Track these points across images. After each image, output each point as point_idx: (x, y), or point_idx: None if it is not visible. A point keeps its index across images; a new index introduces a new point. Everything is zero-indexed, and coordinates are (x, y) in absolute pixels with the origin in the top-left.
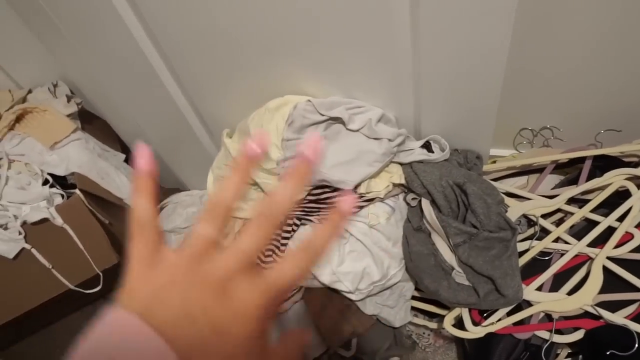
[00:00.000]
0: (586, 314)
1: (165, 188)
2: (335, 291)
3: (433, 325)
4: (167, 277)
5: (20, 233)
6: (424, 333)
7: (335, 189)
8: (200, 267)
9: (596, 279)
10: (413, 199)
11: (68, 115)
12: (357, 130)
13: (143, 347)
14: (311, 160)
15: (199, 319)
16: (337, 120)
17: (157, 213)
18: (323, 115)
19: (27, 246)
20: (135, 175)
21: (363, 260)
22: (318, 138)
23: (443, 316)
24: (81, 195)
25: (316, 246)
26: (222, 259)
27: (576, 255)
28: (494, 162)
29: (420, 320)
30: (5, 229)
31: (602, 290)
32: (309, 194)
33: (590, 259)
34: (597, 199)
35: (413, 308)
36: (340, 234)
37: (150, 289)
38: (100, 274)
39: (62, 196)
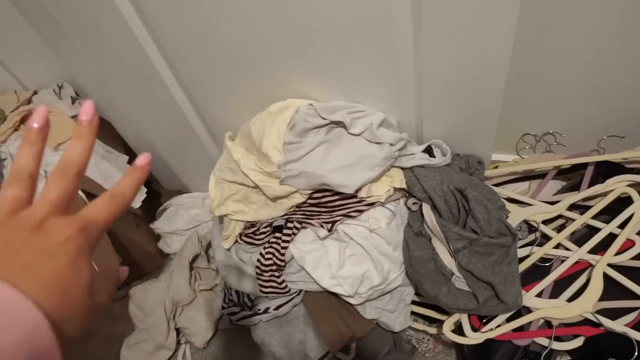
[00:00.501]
0: (586, 321)
1: (168, 190)
2: (335, 295)
3: (433, 330)
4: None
5: None
6: (423, 338)
7: (336, 193)
8: (14, 219)
9: (596, 286)
10: (414, 203)
11: (72, 117)
12: (359, 135)
13: None
14: (89, 120)
15: (21, 250)
16: (339, 124)
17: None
18: (325, 119)
19: None
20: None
21: (363, 264)
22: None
23: (443, 321)
24: (84, 197)
25: (123, 192)
26: (32, 208)
27: (577, 262)
28: (496, 167)
29: (420, 325)
30: None
31: (603, 298)
32: (309, 198)
33: (591, 266)
34: (599, 205)
35: (413, 313)
36: (141, 185)
37: None
38: None
39: None
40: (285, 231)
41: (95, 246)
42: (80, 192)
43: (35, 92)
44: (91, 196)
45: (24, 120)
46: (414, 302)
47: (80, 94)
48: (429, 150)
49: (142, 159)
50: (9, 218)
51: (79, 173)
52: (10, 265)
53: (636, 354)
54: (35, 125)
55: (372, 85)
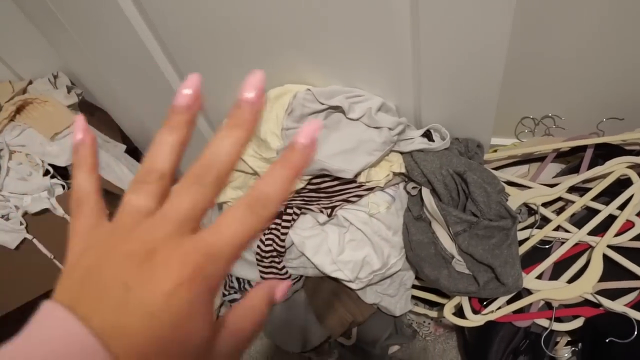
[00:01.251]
0: (586, 302)
1: None
2: (336, 280)
3: (433, 314)
4: (94, 256)
5: (21, 223)
6: (424, 322)
7: (336, 178)
8: (127, 241)
9: (596, 267)
10: (413, 187)
11: (69, 106)
12: (357, 119)
13: (69, 344)
14: (251, 103)
15: (123, 300)
16: (337, 109)
17: (98, 186)
18: (323, 104)
19: (29, 236)
20: (74, 149)
21: (363, 249)
22: (318, 125)
23: (443, 305)
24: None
25: (266, 194)
26: (149, 225)
27: (577, 244)
28: (495, 151)
29: (421, 309)
30: (7, 219)
31: (602, 279)
32: (308, 183)
33: (591, 247)
34: (598, 187)
35: (413, 297)
36: (299, 175)
37: (80, 272)
38: None
39: (63, 187)
40: (284, 217)
41: (221, 284)
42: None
43: (30, 82)
44: None
45: (19, 110)
46: (414, 286)
47: (75, 84)
48: (427, 135)
49: (305, 133)
50: (125, 236)
51: (223, 180)
52: (101, 318)
53: (635, 333)
54: (182, 101)
55: (370, 69)
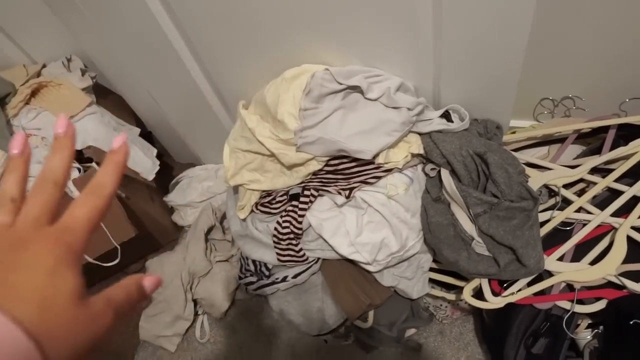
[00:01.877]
0: (609, 284)
1: (180, 163)
2: (353, 263)
3: (451, 297)
4: None
5: None
6: (441, 305)
7: (353, 159)
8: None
9: (620, 249)
10: (432, 169)
11: (83, 89)
12: (376, 100)
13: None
14: (65, 132)
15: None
16: (356, 89)
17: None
18: (341, 84)
19: None
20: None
21: (381, 231)
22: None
23: (460, 288)
24: (98, 169)
25: (101, 183)
26: (14, 228)
27: (599, 225)
28: (513, 132)
29: (438, 292)
30: None
31: (626, 260)
32: (326, 165)
33: (614, 229)
34: (622, 168)
35: (430, 280)
36: (123, 171)
37: None
38: (118, 247)
39: (79, 170)
40: (302, 199)
41: (85, 249)
42: (94, 165)
43: (44, 66)
44: None
45: (34, 93)
46: (431, 269)
47: (88, 66)
48: (446, 116)
49: (117, 141)
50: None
51: (60, 184)
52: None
53: None
54: (15, 150)
55: (390, 48)
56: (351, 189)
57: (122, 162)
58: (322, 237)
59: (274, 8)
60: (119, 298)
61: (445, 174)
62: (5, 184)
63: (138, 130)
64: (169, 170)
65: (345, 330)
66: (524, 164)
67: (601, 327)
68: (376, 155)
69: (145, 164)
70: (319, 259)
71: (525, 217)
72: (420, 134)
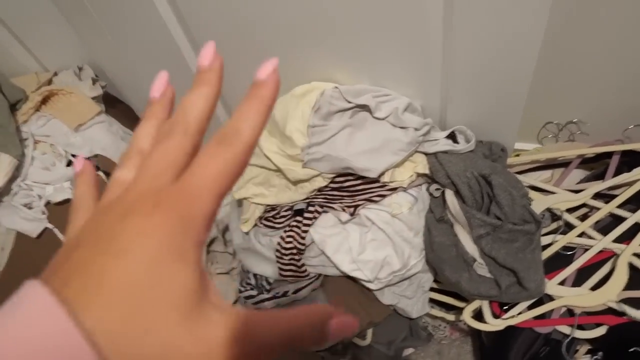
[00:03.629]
0: (609, 310)
1: None
2: (354, 280)
3: (450, 317)
4: (77, 232)
5: (43, 213)
6: (440, 325)
7: (359, 177)
8: (108, 205)
9: (621, 275)
10: (437, 189)
11: (93, 98)
12: (384, 119)
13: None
14: (210, 64)
15: (87, 249)
16: (364, 107)
17: (95, 196)
18: (350, 102)
19: (50, 226)
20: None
21: (384, 249)
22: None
23: (460, 309)
24: (104, 177)
25: (236, 128)
26: (130, 186)
27: (601, 251)
28: (517, 155)
29: (438, 312)
30: (30, 208)
31: (627, 287)
32: (331, 182)
33: (616, 255)
34: (625, 194)
35: (430, 300)
36: (270, 108)
37: (65, 248)
38: None
39: None
40: (306, 215)
41: (210, 223)
42: (101, 174)
43: (55, 74)
44: None
45: (45, 100)
46: (432, 289)
47: (99, 76)
48: (452, 136)
49: (265, 69)
50: (105, 208)
51: (192, 131)
52: (72, 280)
53: None
54: (155, 94)
55: (399, 68)
56: (356, 207)
57: (269, 97)
58: (325, 254)
59: (281, 25)
60: (280, 331)
61: (449, 195)
62: (137, 132)
63: None
64: None
65: (343, 347)
66: (527, 186)
67: (600, 353)
68: (382, 174)
69: None
70: (320, 275)
71: (528, 240)
72: (426, 154)
